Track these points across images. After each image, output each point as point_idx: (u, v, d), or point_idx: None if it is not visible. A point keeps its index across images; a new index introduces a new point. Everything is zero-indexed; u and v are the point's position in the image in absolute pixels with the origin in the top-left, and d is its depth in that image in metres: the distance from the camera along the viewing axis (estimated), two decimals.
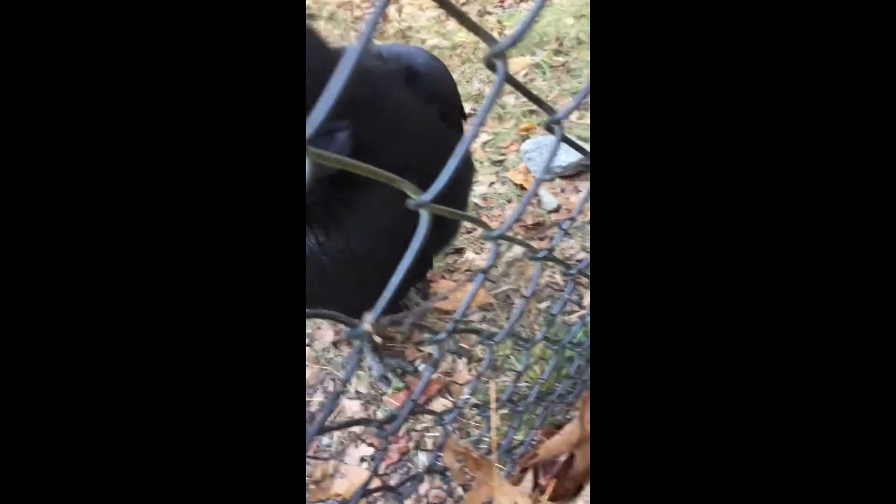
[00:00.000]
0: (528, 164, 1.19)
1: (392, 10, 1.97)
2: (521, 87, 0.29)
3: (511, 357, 0.85)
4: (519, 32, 0.24)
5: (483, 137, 1.31)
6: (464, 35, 1.71)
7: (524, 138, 1.26)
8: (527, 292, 0.44)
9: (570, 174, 1.15)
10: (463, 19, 0.23)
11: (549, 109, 0.33)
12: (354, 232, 0.53)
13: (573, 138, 0.40)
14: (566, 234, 1.05)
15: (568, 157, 1.14)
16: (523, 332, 0.89)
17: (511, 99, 1.37)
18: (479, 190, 1.16)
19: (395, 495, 0.46)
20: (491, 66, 0.25)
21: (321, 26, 1.92)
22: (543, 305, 0.93)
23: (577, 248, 1.00)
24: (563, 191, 1.14)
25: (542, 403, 0.66)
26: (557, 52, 1.52)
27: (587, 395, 0.66)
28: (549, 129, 0.34)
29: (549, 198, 1.11)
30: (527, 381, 0.80)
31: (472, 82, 1.49)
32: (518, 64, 1.48)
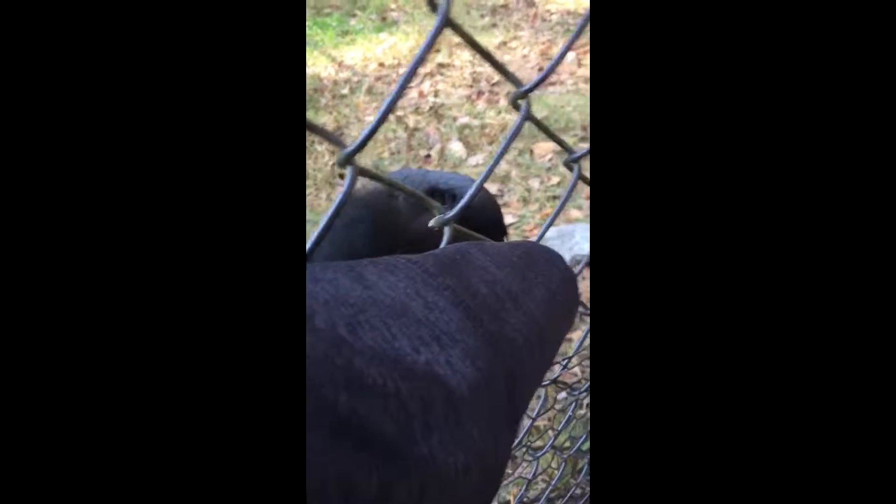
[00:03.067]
0: None
1: (427, 87, 2.09)
2: (541, 125, 0.34)
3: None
4: (542, 76, 0.29)
5: (508, 219, 1.37)
6: (492, 115, 1.80)
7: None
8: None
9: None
10: (492, 61, 0.27)
11: (568, 149, 0.38)
12: None
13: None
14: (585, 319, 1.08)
15: (589, 244, 1.18)
16: (540, 425, 0.91)
17: (536, 183, 1.44)
18: None
19: None
20: (516, 106, 0.30)
21: (360, 100, 2.04)
22: (561, 396, 0.95)
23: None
24: (584, 278, 1.18)
25: None
26: (583, 139, 1.59)
27: None
28: (569, 167, 0.40)
29: None
30: (544, 479, 0.82)
31: (500, 163, 1.57)
32: (543, 148, 1.55)
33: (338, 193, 0.22)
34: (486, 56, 0.26)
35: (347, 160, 0.21)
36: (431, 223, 0.31)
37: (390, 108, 0.21)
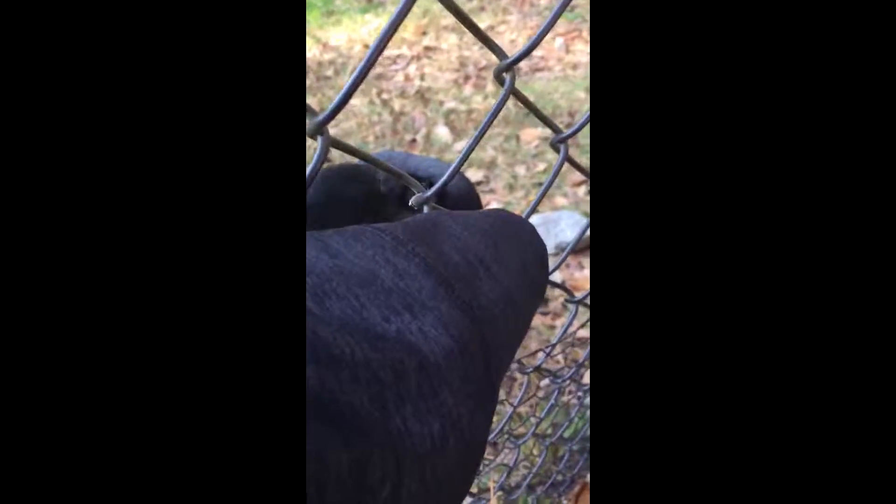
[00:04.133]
0: None
1: (413, 70, 2.06)
2: (526, 101, 0.33)
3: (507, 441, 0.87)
4: (527, 49, 0.28)
5: (494, 206, 1.35)
6: (479, 100, 1.78)
7: None
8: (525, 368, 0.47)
9: (576, 249, 1.19)
10: (476, 31, 0.26)
11: (556, 129, 0.37)
12: None
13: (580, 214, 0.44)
14: (576, 310, 1.08)
15: (574, 232, 1.17)
16: (522, 412, 0.91)
17: (522, 169, 1.42)
18: None
19: None
20: (500, 80, 0.29)
21: (344, 81, 2.00)
22: (544, 383, 0.95)
23: (575, 325, 1.03)
24: (567, 266, 1.17)
25: (534, 494, 0.68)
26: (569, 126, 1.58)
27: (584, 484, 0.68)
28: (555, 149, 0.38)
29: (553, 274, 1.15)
30: (525, 465, 0.81)
31: (486, 149, 1.55)
32: (530, 135, 1.54)
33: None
34: (468, 23, 0.24)
35: (318, 129, 0.20)
36: (411, 202, 0.30)
37: (365, 72, 0.19)
